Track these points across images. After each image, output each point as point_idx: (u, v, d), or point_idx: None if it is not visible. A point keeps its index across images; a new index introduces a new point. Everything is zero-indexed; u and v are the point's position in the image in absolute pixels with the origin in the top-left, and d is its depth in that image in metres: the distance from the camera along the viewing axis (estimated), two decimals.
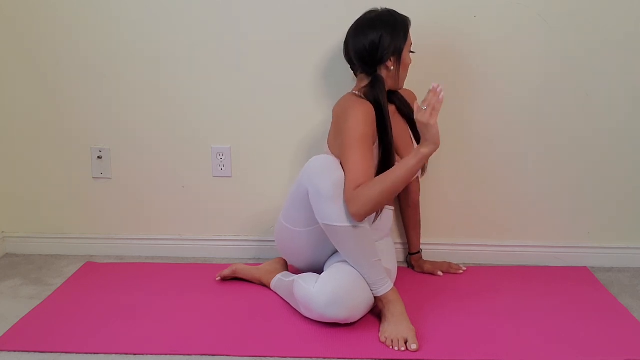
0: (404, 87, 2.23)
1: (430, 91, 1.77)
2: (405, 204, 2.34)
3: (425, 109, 1.77)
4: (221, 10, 2.36)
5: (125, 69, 2.43)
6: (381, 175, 1.84)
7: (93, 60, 2.44)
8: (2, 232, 2.61)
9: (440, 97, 1.76)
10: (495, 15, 2.28)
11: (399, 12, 2.06)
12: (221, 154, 2.47)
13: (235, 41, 2.38)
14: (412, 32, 2.04)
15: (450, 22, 2.30)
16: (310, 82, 2.37)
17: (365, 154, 1.87)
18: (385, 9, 2.07)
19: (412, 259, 2.37)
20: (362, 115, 1.92)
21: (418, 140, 2.15)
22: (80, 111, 2.48)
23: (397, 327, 1.82)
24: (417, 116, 1.78)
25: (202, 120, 2.45)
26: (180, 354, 1.78)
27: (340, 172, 1.86)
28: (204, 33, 2.38)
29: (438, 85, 1.77)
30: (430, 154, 1.80)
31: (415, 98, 2.24)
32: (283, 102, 2.40)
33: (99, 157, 2.51)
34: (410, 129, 2.15)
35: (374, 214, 2.00)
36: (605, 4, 2.25)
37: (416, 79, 2.29)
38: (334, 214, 1.84)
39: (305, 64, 2.36)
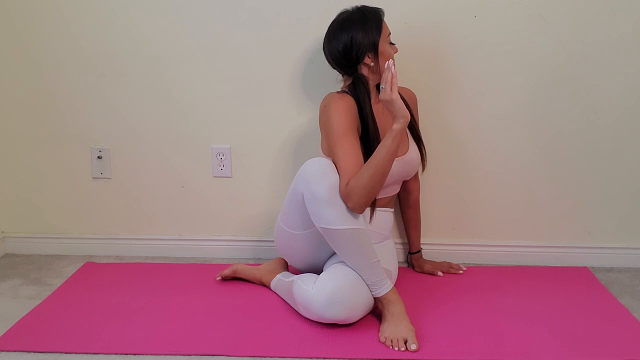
0: (405, 87, 2.24)
1: (384, 70, 1.88)
2: (405, 203, 2.34)
3: (384, 88, 1.85)
4: (221, 9, 2.36)
5: (125, 68, 2.43)
6: (366, 163, 1.89)
7: (93, 60, 2.44)
8: (2, 232, 2.61)
9: (393, 70, 1.85)
10: (495, 15, 2.28)
11: (370, 5, 2.07)
12: (221, 154, 2.47)
13: (235, 41, 2.38)
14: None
15: (450, 22, 2.29)
16: (313, 82, 2.37)
17: (350, 147, 1.91)
18: (356, 7, 2.08)
19: (412, 258, 2.37)
20: (343, 109, 1.96)
21: (415, 138, 2.16)
22: (80, 111, 2.48)
23: (396, 328, 1.82)
24: (380, 96, 1.87)
25: (202, 120, 2.45)
26: (180, 354, 1.78)
27: (335, 175, 1.87)
28: (204, 33, 2.38)
29: (389, 61, 1.88)
30: (403, 128, 1.86)
31: (415, 98, 2.25)
32: (284, 102, 2.40)
33: (99, 157, 2.51)
34: (407, 127, 2.15)
35: (371, 214, 2.01)
36: (605, 4, 2.25)
37: (417, 79, 2.30)
38: (330, 217, 1.84)
39: (308, 63, 2.36)
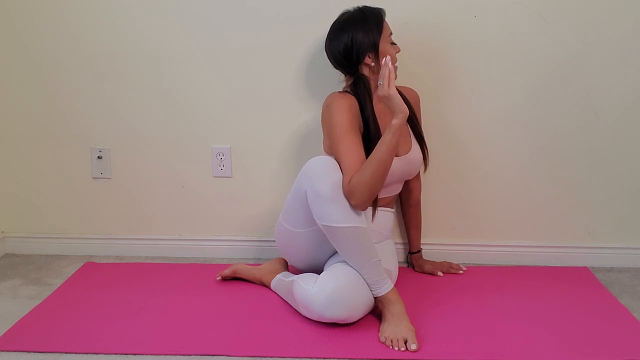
0: (408, 87, 2.24)
1: (382, 67, 1.88)
2: (407, 203, 2.34)
3: (382, 83, 1.85)
4: (221, 9, 2.36)
5: (125, 68, 2.43)
6: (367, 159, 1.90)
7: (93, 60, 2.44)
8: (2, 232, 2.61)
9: (390, 66, 1.86)
10: (495, 15, 2.28)
11: (372, 6, 2.08)
12: (221, 154, 2.47)
13: (235, 40, 2.38)
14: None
15: (450, 22, 2.29)
16: (313, 82, 2.37)
17: (352, 145, 1.92)
18: (357, 7, 2.09)
19: (412, 258, 2.37)
20: (345, 108, 1.97)
21: (417, 138, 2.16)
22: (80, 111, 2.48)
23: (396, 327, 1.82)
24: (378, 92, 1.87)
25: (202, 120, 2.45)
26: (180, 354, 1.78)
27: (338, 173, 1.87)
28: (204, 33, 2.38)
29: (386, 57, 1.88)
30: (402, 123, 1.87)
31: (418, 98, 2.25)
32: (284, 101, 2.40)
33: (99, 157, 2.51)
34: (410, 127, 2.16)
35: (373, 212, 2.01)
36: (605, 4, 2.25)
37: (417, 79, 2.30)
38: (333, 215, 1.85)
39: (307, 63, 2.36)
